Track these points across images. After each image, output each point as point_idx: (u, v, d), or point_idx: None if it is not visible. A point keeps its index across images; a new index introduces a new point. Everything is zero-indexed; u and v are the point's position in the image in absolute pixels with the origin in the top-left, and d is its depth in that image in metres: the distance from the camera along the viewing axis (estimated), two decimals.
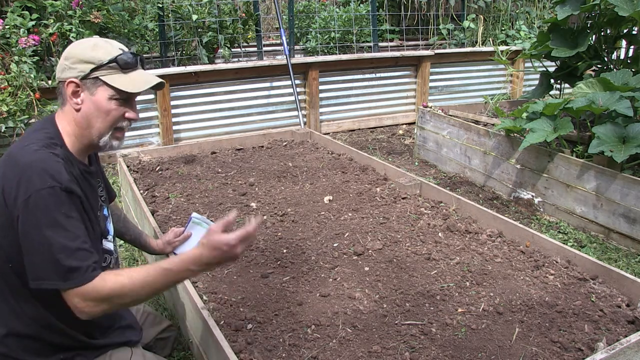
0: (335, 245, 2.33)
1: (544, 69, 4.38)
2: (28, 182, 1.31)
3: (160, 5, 4.90)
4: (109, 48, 1.49)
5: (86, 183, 1.52)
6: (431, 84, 5.93)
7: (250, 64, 5.00)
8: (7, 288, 1.42)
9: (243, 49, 5.72)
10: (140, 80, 1.51)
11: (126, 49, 1.53)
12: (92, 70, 1.45)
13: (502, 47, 5.98)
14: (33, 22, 3.88)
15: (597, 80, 3.36)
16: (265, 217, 2.61)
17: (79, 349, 1.51)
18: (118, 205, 2.00)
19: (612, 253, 2.89)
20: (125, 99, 1.50)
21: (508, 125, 3.46)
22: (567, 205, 3.22)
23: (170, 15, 5.00)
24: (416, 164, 4.46)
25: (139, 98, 1.61)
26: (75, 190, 1.39)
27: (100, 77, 1.46)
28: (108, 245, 1.63)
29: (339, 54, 5.84)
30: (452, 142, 4.14)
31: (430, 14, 6.77)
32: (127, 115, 1.52)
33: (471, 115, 4.34)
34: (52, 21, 4.01)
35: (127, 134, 1.61)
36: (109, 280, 1.34)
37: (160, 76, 1.63)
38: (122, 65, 1.48)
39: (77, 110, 1.48)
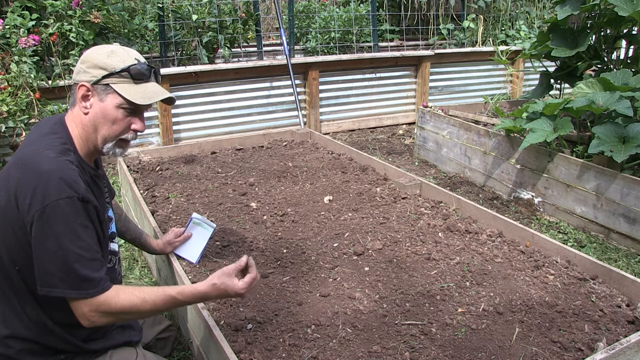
0: (335, 245, 2.33)
1: (544, 69, 4.39)
2: (45, 190, 1.31)
3: (160, 5, 4.91)
4: (125, 57, 1.49)
5: (96, 188, 1.53)
6: (431, 84, 5.93)
7: (250, 64, 5.01)
8: (11, 290, 1.43)
9: (243, 49, 5.72)
10: (149, 92, 1.50)
11: (142, 60, 1.53)
12: (105, 76, 1.45)
13: (502, 47, 5.98)
14: (33, 22, 3.88)
15: (597, 80, 3.37)
16: (265, 216, 2.61)
17: (79, 352, 1.51)
18: (119, 205, 2.00)
19: (612, 253, 2.89)
20: (133, 109, 1.50)
21: (508, 125, 3.46)
22: (567, 205, 3.22)
23: (170, 15, 5.01)
24: (416, 164, 4.46)
25: None
26: (92, 200, 1.40)
27: (111, 85, 1.46)
28: (113, 246, 1.65)
29: (339, 54, 5.84)
30: (452, 142, 4.14)
31: (430, 14, 6.77)
32: (132, 126, 1.52)
33: (471, 115, 4.34)
34: (52, 21, 4.01)
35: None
36: (122, 297, 1.39)
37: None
38: (134, 76, 1.48)
39: (85, 114, 1.48)
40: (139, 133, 1.55)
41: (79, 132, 1.50)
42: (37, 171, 1.34)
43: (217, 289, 1.47)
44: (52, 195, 1.31)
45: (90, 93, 1.47)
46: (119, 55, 1.48)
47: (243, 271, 1.52)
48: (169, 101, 1.61)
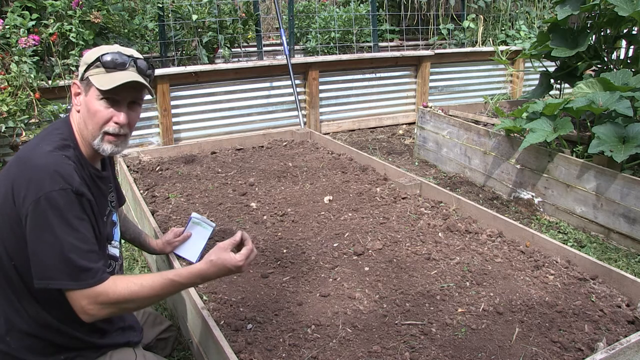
0: (335, 245, 2.33)
1: (544, 69, 4.39)
2: (39, 182, 1.32)
3: (160, 5, 4.90)
4: (108, 49, 1.49)
5: (95, 187, 1.52)
6: (431, 84, 5.93)
7: (250, 64, 5.00)
8: (10, 287, 1.43)
9: (243, 49, 5.72)
10: (116, 79, 1.45)
11: (137, 55, 1.51)
12: (85, 70, 1.47)
13: (502, 47, 5.98)
14: (33, 22, 3.88)
15: (597, 80, 3.36)
16: (265, 216, 2.61)
17: (79, 349, 1.51)
18: None
19: (612, 253, 2.89)
20: (114, 100, 1.46)
21: (508, 125, 3.46)
22: (567, 205, 3.22)
23: (170, 15, 5.00)
24: (416, 164, 4.46)
25: None
26: (86, 193, 1.40)
27: (89, 77, 1.46)
28: (113, 250, 1.63)
29: (339, 54, 5.84)
30: (452, 142, 4.14)
31: (430, 14, 6.77)
32: (114, 118, 1.47)
33: (471, 115, 4.34)
34: (52, 21, 4.01)
35: None
36: (120, 285, 1.37)
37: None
38: (105, 64, 1.45)
39: (78, 112, 1.50)
40: (122, 126, 1.47)
41: (76, 130, 1.51)
42: (32, 165, 1.35)
43: (215, 264, 1.44)
44: (46, 187, 1.31)
45: (80, 90, 1.49)
46: (105, 49, 1.48)
47: (239, 247, 1.50)
48: (150, 93, 1.56)
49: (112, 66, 1.46)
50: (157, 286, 1.41)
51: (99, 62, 1.46)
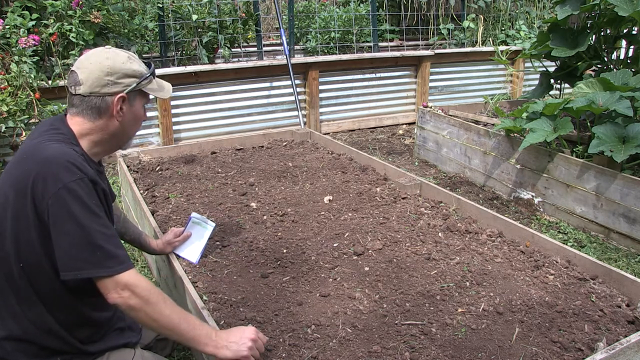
0: (335, 245, 2.33)
1: (544, 69, 4.39)
2: (56, 175, 1.33)
3: (160, 5, 4.91)
4: (137, 58, 1.59)
5: (101, 181, 1.55)
6: (431, 84, 5.94)
7: (250, 64, 5.01)
8: (11, 290, 1.42)
9: (243, 49, 5.72)
10: (164, 86, 1.67)
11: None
12: (138, 83, 1.54)
13: (502, 47, 5.99)
14: (33, 22, 3.88)
15: (597, 80, 3.37)
16: (265, 216, 2.61)
17: (77, 353, 1.51)
18: (118, 207, 2.00)
19: (612, 253, 2.89)
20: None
21: (508, 125, 3.46)
22: (567, 205, 3.22)
23: (170, 15, 5.01)
24: (416, 164, 4.46)
25: None
26: (100, 182, 1.44)
27: (143, 89, 1.57)
28: None
29: (339, 54, 5.85)
30: (452, 142, 4.14)
31: (430, 14, 6.77)
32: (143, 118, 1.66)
33: (471, 115, 4.35)
34: (52, 21, 4.01)
35: None
36: (151, 285, 1.42)
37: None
38: (153, 74, 1.60)
39: (118, 121, 1.54)
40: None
41: (99, 139, 1.53)
42: (43, 160, 1.36)
43: (232, 328, 1.52)
44: (64, 178, 1.33)
45: (123, 101, 1.53)
46: (135, 58, 1.57)
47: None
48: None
49: (154, 76, 1.63)
50: (177, 308, 1.43)
51: (151, 76, 1.59)
